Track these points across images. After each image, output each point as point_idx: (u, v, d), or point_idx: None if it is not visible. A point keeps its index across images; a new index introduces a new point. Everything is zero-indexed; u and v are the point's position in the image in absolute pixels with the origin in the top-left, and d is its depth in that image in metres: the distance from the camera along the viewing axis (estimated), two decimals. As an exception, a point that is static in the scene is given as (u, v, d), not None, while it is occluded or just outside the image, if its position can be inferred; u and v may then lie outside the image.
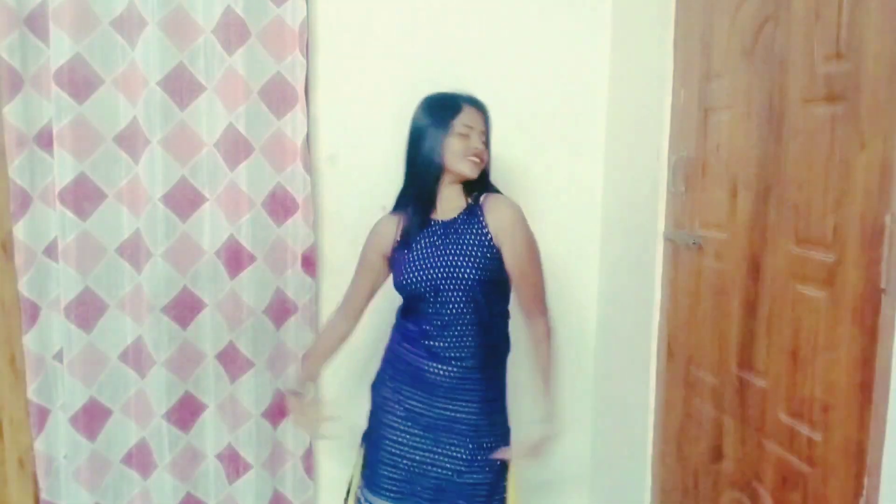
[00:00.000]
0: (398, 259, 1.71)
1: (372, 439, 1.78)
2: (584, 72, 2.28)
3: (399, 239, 1.72)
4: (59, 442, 2.11)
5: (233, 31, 2.00)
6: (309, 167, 2.13)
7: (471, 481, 1.69)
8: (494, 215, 1.68)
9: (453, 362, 1.67)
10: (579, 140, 2.31)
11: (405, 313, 1.76)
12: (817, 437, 1.38)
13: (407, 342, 1.73)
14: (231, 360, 2.13)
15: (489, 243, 1.66)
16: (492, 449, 1.71)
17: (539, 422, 1.69)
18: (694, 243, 1.81)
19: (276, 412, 2.20)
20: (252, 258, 2.10)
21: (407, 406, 1.72)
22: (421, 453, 1.71)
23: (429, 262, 1.66)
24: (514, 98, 2.25)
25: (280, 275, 2.15)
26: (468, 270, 1.64)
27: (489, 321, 1.68)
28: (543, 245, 2.30)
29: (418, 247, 1.69)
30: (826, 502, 1.36)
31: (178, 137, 2.02)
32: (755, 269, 1.58)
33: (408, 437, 1.72)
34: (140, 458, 2.14)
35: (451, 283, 1.64)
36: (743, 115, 1.62)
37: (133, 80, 1.98)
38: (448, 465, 1.70)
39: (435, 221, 1.71)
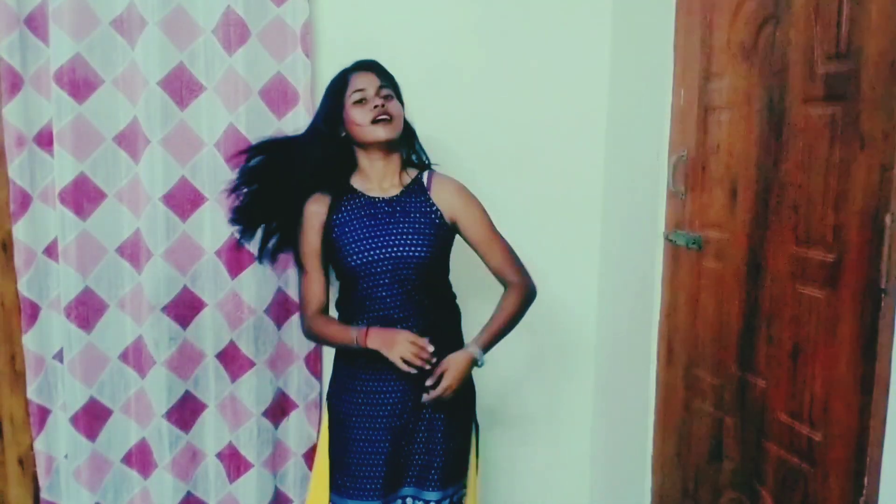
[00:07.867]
0: (343, 237, 1.66)
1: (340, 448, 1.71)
2: (584, 72, 2.28)
3: (332, 216, 1.68)
4: (59, 442, 2.10)
5: (233, 31, 2.00)
6: (309, 167, 2.12)
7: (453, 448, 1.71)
8: (443, 195, 1.70)
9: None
10: (579, 140, 2.31)
11: (347, 304, 1.71)
12: (817, 437, 1.38)
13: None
14: (231, 360, 2.13)
15: (439, 222, 1.68)
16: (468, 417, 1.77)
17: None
18: (694, 243, 1.81)
19: (277, 411, 2.20)
20: (252, 258, 2.09)
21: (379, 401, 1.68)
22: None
23: (380, 240, 1.64)
24: (515, 98, 2.25)
25: (280, 274, 2.15)
26: (420, 249, 1.64)
27: (439, 299, 1.71)
28: (544, 245, 2.31)
29: (363, 224, 1.67)
30: (826, 502, 1.36)
31: (178, 137, 2.01)
32: (755, 269, 1.58)
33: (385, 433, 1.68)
34: (140, 458, 2.14)
35: (405, 261, 1.64)
36: (743, 115, 1.62)
37: (133, 80, 1.98)
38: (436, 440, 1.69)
39: (377, 198, 1.69)
